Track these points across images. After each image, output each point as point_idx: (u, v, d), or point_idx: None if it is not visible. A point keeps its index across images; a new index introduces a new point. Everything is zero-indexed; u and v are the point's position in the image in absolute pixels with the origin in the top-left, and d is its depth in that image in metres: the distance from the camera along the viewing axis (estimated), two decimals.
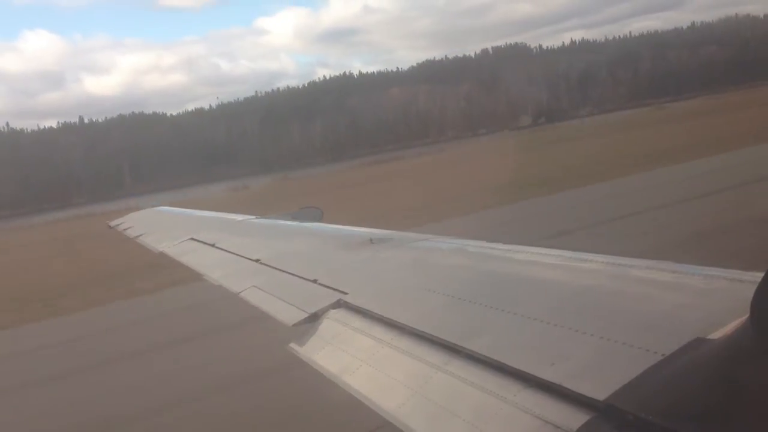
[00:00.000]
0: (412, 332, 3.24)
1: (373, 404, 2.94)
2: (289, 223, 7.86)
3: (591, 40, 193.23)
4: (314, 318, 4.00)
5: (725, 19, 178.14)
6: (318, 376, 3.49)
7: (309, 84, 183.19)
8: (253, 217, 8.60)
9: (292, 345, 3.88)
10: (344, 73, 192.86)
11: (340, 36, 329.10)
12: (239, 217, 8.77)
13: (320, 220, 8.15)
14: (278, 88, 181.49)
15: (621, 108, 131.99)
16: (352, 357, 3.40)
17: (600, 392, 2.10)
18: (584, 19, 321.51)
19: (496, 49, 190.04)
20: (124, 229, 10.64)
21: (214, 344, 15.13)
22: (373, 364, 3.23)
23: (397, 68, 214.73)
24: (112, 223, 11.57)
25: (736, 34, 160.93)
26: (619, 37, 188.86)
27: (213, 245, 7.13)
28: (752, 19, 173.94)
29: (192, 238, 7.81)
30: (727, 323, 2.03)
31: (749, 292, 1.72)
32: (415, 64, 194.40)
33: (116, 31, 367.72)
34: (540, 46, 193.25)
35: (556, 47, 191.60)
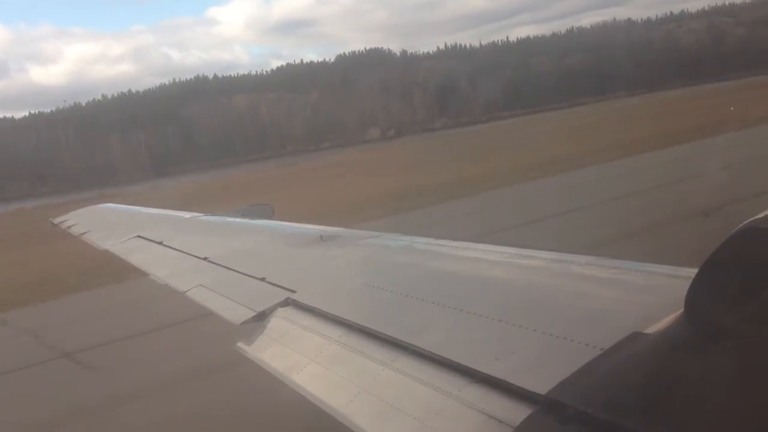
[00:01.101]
0: (360, 330, 3.24)
1: (321, 402, 2.94)
2: (237, 220, 7.76)
3: (467, 46, 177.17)
4: (262, 316, 3.96)
5: (601, 24, 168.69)
6: (265, 375, 3.46)
7: (158, 87, 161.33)
8: (201, 214, 8.47)
9: (240, 344, 3.84)
10: (197, 75, 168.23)
11: (293, 27, 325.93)
12: (187, 215, 8.63)
13: (270, 217, 8.07)
14: (126, 92, 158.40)
15: (478, 121, 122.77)
16: (300, 355, 3.39)
17: (542, 386, 2.14)
18: (535, 14, 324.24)
19: (354, 55, 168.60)
20: (68, 227, 10.33)
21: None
22: (321, 362, 3.22)
23: (255, 72, 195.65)
24: (56, 220, 11.20)
25: (609, 40, 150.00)
26: (496, 42, 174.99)
27: (160, 243, 7.00)
28: (630, 23, 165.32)
29: (138, 236, 7.65)
30: (664, 318, 2.09)
31: (684, 287, 1.79)
32: (272, 69, 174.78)
33: (62, 20, 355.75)
34: (405, 51, 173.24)
35: (421, 53, 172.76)
